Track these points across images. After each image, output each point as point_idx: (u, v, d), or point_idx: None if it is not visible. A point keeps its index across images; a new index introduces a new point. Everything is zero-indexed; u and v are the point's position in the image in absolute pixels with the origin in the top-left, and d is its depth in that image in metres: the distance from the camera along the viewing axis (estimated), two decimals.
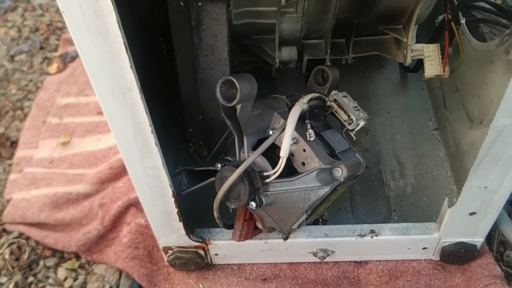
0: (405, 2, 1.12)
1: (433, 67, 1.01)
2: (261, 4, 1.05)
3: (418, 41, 1.18)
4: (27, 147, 1.47)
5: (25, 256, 1.26)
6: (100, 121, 1.49)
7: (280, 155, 0.86)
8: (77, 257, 1.25)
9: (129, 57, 0.67)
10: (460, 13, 1.08)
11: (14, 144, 1.51)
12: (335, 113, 0.99)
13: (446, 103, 1.29)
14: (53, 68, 1.70)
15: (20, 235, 1.29)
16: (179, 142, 1.21)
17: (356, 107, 1.01)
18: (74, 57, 1.71)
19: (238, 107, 0.85)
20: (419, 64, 1.31)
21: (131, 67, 0.68)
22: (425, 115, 1.37)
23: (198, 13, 0.89)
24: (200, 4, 0.88)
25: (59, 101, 1.57)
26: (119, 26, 0.63)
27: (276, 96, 0.98)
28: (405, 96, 1.43)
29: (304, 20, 1.14)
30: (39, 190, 1.32)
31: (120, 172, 1.30)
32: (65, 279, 1.21)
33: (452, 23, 0.93)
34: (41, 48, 1.78)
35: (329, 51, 1.24)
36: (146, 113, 0.75)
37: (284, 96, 0.99)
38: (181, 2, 0.86)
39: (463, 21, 1.09)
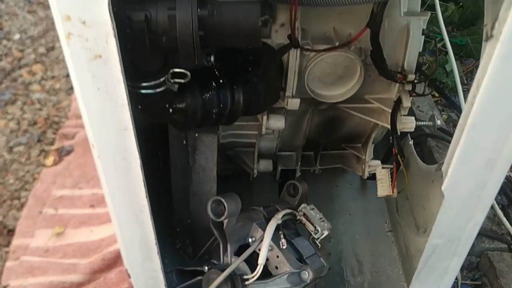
0: (364, 128, 1.36)
1: (384, 189, 1.23)
2: (245, 128, 1.27)
3: (376, 154, 1.41)
4: (24, 236, 1.61)
5: None
6: (93, 213, 1.65)
7: (259, 262, 1.04)
8: None
9: (145, 190, 0.86)
10: (409, 135, 1.32)
11: (11, 232, 1.64)
12: (304, 224, 1.18)
13: (399, 209, 1.50)
14: (49, 160, 1.86)
15: None
16: (166, 237, 1.37)
17: (321, 218, 1.21)
18: (69, 151, 1.89)
19: (225, 221, 1.04)
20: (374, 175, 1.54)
21: (146, 196, 0.87)
22: (381, 218, 1.58)
23: (194, 141, 1.10)
24: (196, 134, 1.08)
25: (55, 193, 1.73)
26: (141, 168, 0.83)
27: (255, 208, 1.18)
28: (365, 200, 1.64)
29: (279, 139, 1.36)
30: (35, 278, 1.45)
31: (111, 263, 1.44)
32: None
33: (399, 156, 1.16)
34: (39, 141, 1.96)
35: (299, 162, 1.46)
36: (154, 232, 0.93)
37: (261, 208, 1.18)
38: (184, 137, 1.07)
39: (411, 142, 1.33)
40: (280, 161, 1.47)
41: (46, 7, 2.71)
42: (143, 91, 0.80)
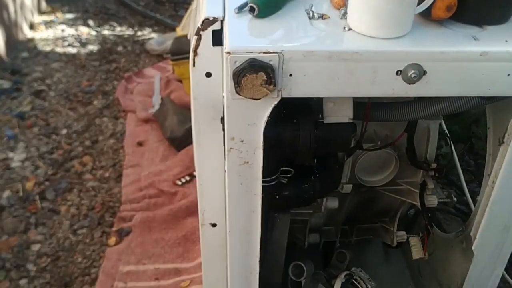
0: (393, 205, 1.70)
1: (417, 253, 1.56)
2: (302, 208, 1.60)
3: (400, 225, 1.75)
4: None
5: None
6: (158, 285, 1.91)
7: None
8: None
9: (259, 257, 1.16)
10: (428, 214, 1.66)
11: None
12: (358, 283, 1.49)
13: (421, 272, 1.82)
14: (112, 240, 2.14)
15: None
16: None
17: (368, 278, 1.52)
18: (128, 232, 2.17)
19: (303, 281, 1.34)
20: (399, 243, 1.86)
21: (258, 261, 1.17)
22: (405, 280, 1.88)
23: (273, 220, 1.41)
24: (275, 214, 1.40)
25: (122, 268, 1.99)
26: (260, 240, 1.14)
27: (319, 272, 1.48)
28: (390, 265, 1.95)
29: (325, 216, 1.69)
30: None
31: None
32: None
33: (428, 226, 1.49)
34: (99, 223, 2.23)
35: (339, 235, 1.78)
36: None
37: (321, 272, 1.49)
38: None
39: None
40: (323, 234, 1.79)
41: (85, 104, 3.07)
42: (263, 184, 1.13)
